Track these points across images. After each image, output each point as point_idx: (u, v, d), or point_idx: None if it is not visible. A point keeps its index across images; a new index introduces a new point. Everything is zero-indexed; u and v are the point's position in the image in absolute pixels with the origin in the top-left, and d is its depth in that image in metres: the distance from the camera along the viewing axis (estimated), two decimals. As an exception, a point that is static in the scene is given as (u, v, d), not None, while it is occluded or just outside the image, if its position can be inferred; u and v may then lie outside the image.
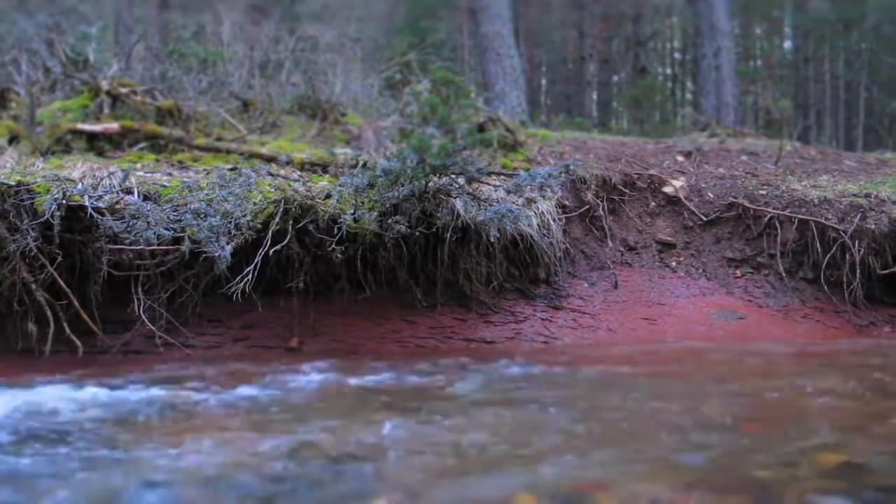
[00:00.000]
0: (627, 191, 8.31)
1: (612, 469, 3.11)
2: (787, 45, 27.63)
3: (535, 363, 5.71)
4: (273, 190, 6.13)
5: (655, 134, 15.62)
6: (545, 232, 7.20)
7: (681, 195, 8.35)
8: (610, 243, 7.85)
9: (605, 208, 8.04)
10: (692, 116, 17.98)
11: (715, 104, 17.33)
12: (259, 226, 5.84)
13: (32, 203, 5.68)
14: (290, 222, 5.98)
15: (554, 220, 7.33)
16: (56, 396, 4.47)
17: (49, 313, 5.64)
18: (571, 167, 7.04)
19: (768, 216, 7.94)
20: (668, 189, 8.42)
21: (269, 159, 7.48)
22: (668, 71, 29.90)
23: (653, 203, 8.35)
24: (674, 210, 8.33)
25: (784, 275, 7.66)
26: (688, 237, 8.10)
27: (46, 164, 6.87)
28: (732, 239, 8.05)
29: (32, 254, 5.57)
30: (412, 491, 2.91)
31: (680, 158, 9.38)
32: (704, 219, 8.18)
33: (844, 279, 7.43)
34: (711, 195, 8.38)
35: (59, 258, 5.69)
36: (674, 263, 7.84)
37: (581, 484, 2.93)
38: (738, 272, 7.78)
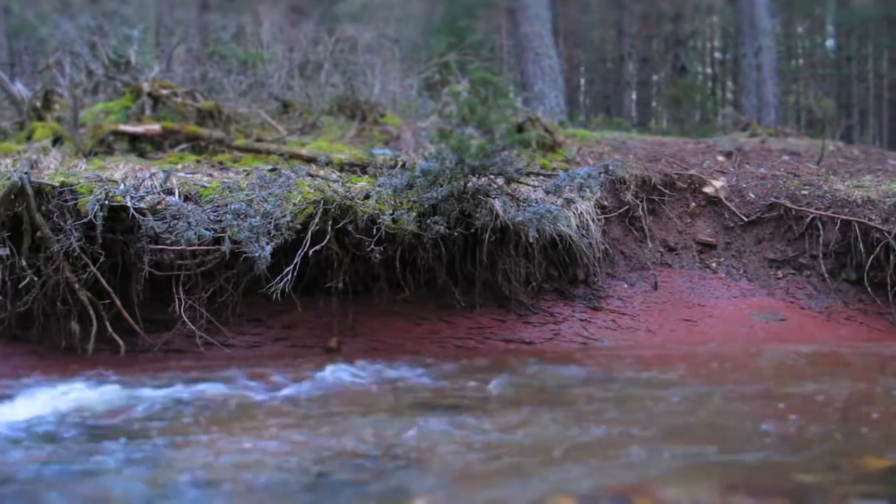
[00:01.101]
0: (667, 191, 8.25)
1: (651, 471, 3.10)
2: (830, 43, 27.30)
3: (573, 364, 5.69)
4: (312, 190, 6.16)
5: (695, 134, 15.48)
6: (584, 232, 7.16)
7: (721, 195, 8.27)
8: (649, 244, 7.80)
9: (645, 209, 7.99)
10: (733, 116, 17.81)
11: (756, 103, 17.16)
12: (299, 226, 5.86)
13: (76, 203, 5.76)
14: (330, 223, 6.01)
15: (593, 221, 7.29)
16: (101, 394, 4.52)
17: (92, 312, 5.71)
18: (611, 167, 7.00)
19: (810, 217, 7.84)
20: (708, 189, 8.35)
21: (309, 160, 7.50)
22: (709, 70, 29.64)
23: (693, 203, 8.28)
24: (714, 210, 8.26)
25: (826, 276, 7.57)
26: (728, 238, 8.03)
27: (89, 165, 6.96)
28: (774, 240, 7.96)
29: (76, 254, 5.64)
30: (452, 491, 2.92)
31: (720, 158, 9.29)
32: (745, 219, 8.09)
33: (889, 280, 7.33)
34: (752, 195, 8.30)
35: (102, 258, 5.77)
36: (714, 264, 7.77)
37: (620, 486, 2.92)
38: (780, 273, 7.70)
